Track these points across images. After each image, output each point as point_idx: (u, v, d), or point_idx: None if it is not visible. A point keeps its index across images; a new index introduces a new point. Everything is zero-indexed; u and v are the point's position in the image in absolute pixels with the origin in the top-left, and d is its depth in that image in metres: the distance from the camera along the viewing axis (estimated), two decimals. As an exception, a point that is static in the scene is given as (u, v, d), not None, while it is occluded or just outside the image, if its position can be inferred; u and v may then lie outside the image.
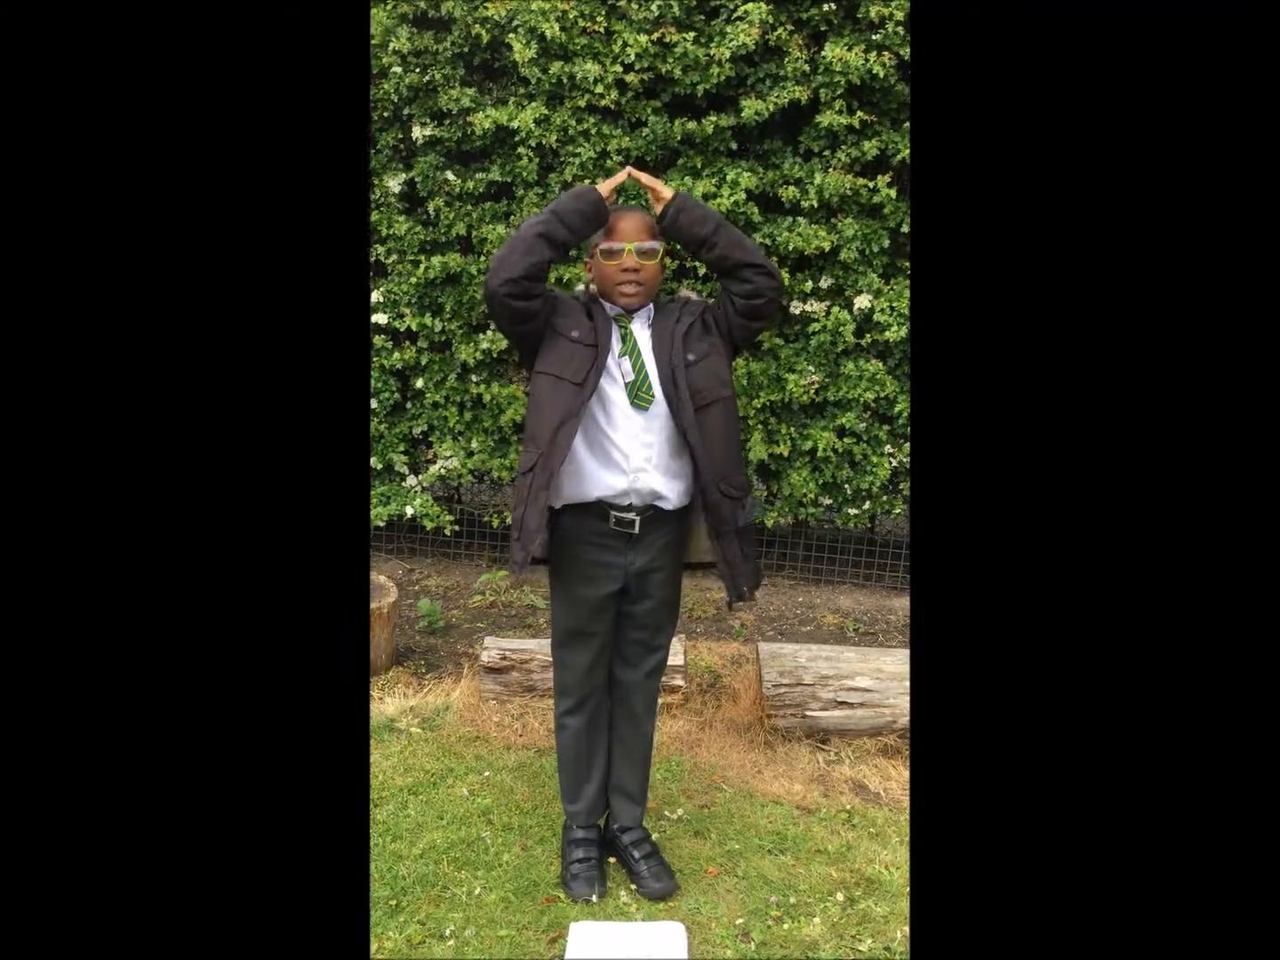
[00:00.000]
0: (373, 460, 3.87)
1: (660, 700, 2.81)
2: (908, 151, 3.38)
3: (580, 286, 2.06)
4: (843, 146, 3.46)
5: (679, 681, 2.86)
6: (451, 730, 2.71)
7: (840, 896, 2.06)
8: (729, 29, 3.37)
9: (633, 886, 2.05)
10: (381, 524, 3.88)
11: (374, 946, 1.84)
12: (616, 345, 1.93)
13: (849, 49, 3.34)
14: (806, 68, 3.39)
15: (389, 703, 2.85)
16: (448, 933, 1.89)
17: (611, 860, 2.13)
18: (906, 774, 2.50)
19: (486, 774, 2.49)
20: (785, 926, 1.96)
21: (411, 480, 3.93)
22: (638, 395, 1.89)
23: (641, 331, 1.96)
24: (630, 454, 1.89)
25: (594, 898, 1.99)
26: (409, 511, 3.84)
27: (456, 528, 3.96)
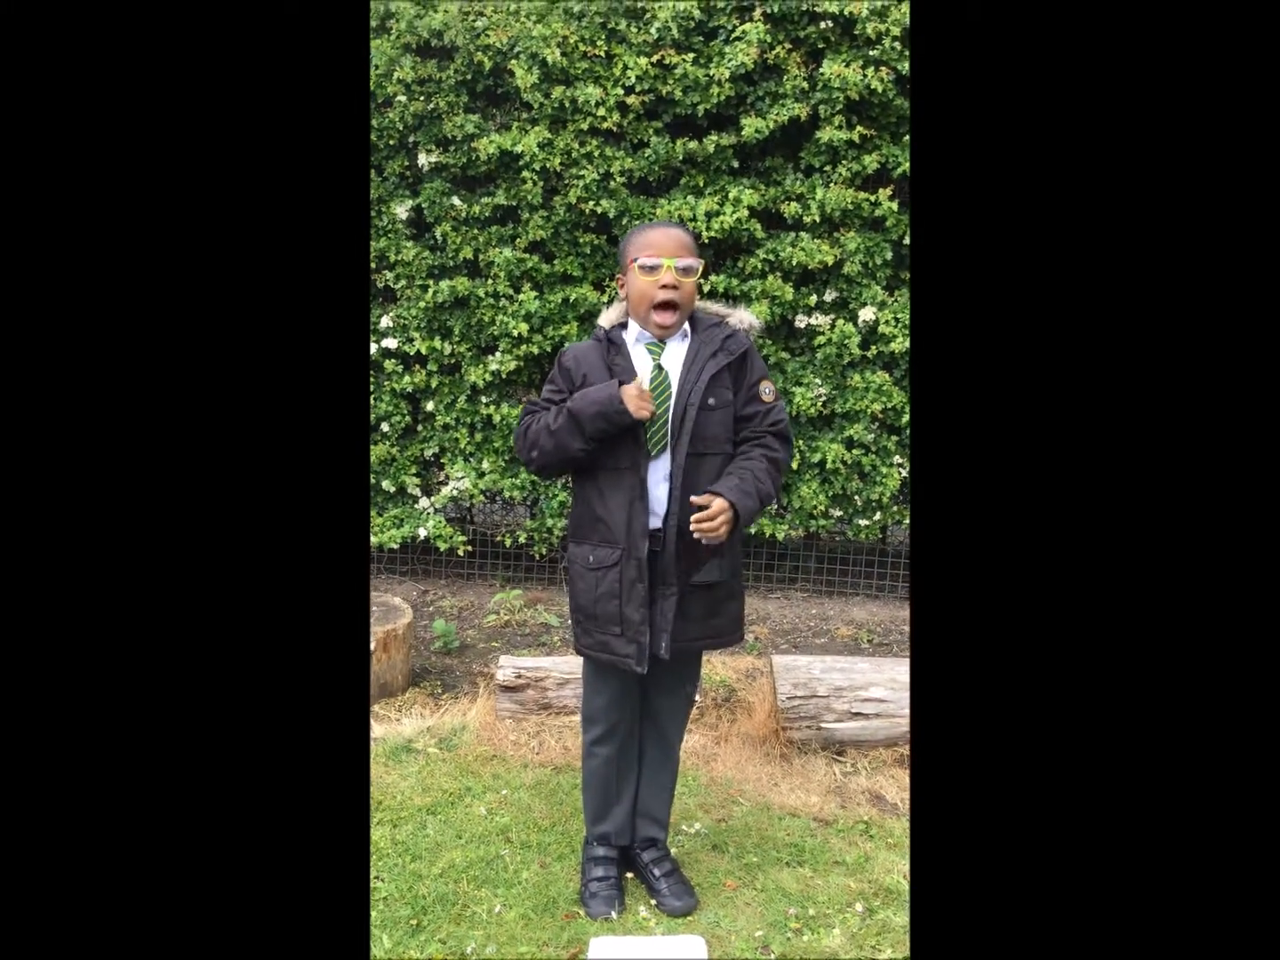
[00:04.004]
0: (385, 483, 3.91)
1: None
2: (908, 165, 3.41)
3: (605, 312, 1.98)
4: (843, 161, 3.50)
5: (694, 696, 2.87)
6: (469, 749, 2.72)
7: (859, 907, 2.06)
8: (728, 49, 3.42)
9: (652, 902, 2.05)
10: (395, 546, 3.91)
11: (396, 965, 1.85)
12: (646, 379, 1.84)
13: (847, 65, 3.38)
14: (805, 85, 3.44)
15: (406, 723, 2.87)
16: (469, 950, 1.90)
17: (630, 876, 2.13)
18: (923, 784, 2.50)
19: (504, 792, 2.50)
20: (805, 938, 1.96)
21: (424, 502, 3.96)
22: (649, 439, 1.83)
23: (674, 358, 1.87)
24: (658, 498, 1.85)
25: (613, 915, 2.00)
26: (422, 533, 3.87)
27: (469, 548, 3.99)
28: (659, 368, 1.87)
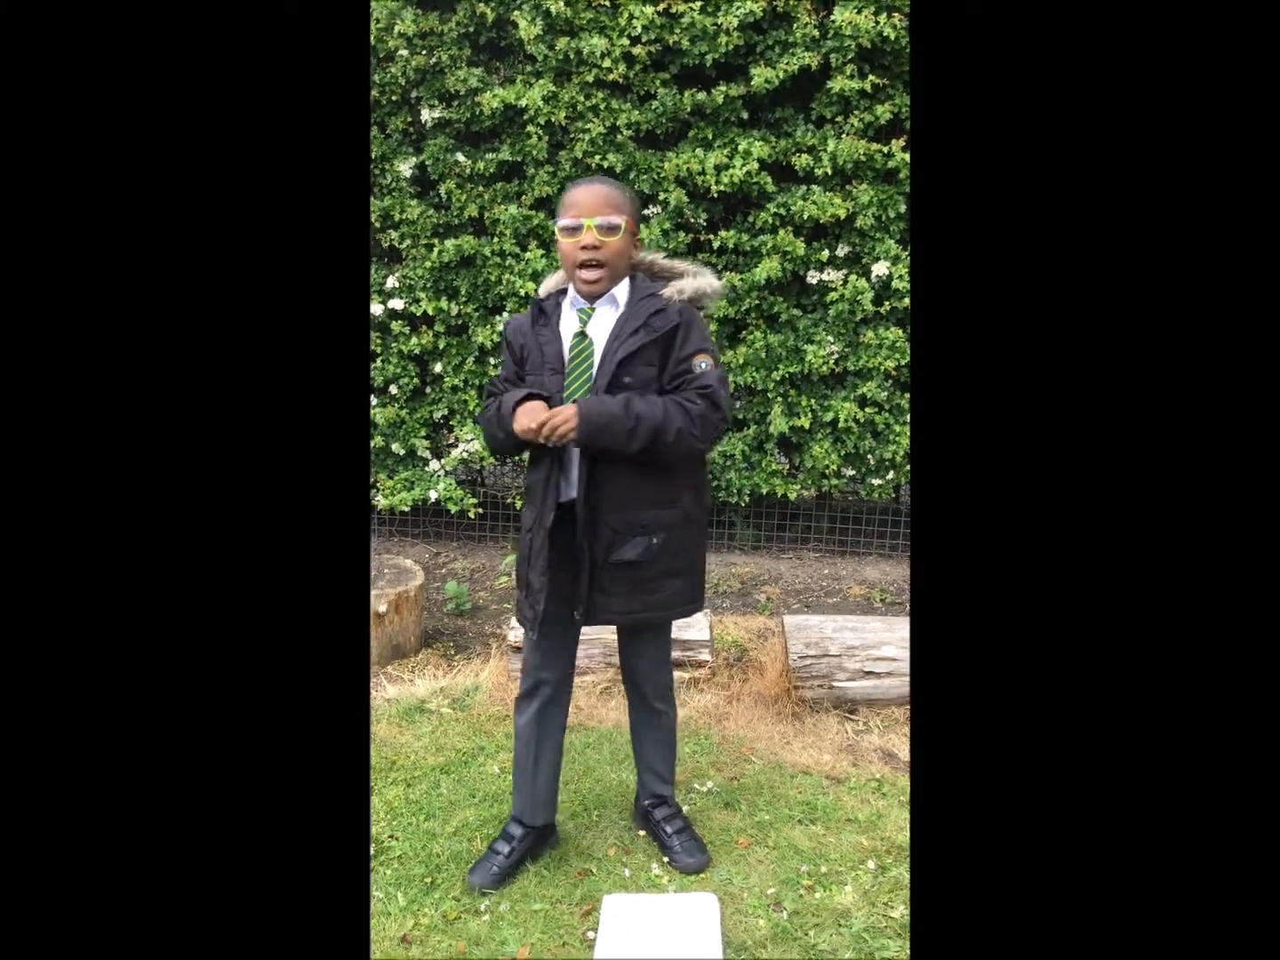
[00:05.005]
0: (395, 446, 3.90)
1: (687, 675, 2.82)
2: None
3: (546, 279, 1.98)
4: (855, 112, 3.42)
5: (705, 656, 2.87)
6: (481, 709, 2.74)
7: (871, 864, 2.06)
8: (736, -4, 3.33)
9: (665, 860, 2.06)
10: (406, 509, 3.91)
11: (410, 923, 1.87)
12: (566, 348, 1.80)
13: (858, 11, 3.29)
14: (816, 33, 3.35)
15: (419, 684, 2.88)
16: (483, 908, 1.91)
17: (642, 833, 2.14)
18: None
19: (517, 752, 2.51)
20: (817, 895, 1.96)
21: (434, 465, 3.95)
22: None
23: (601, 327, 1.81)
24: (569, 471, 1.80)
25: (478, 890, 1.94)
26: (433, 496, 3.86)
27: (480, 510, 3.98)
28: (581, 335, 1.81)
